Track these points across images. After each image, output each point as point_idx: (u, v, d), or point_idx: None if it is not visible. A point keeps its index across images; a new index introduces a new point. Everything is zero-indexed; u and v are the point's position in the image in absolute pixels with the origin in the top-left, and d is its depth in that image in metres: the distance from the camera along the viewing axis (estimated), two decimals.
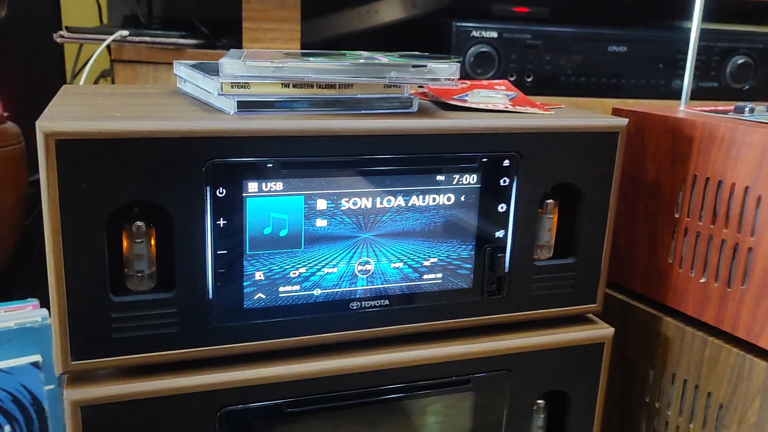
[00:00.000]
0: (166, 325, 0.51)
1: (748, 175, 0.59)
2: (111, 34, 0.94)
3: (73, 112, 0.50)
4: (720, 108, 0.72)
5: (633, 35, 1.10)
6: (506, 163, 0.58)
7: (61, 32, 0.97)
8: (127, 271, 0.51)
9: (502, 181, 0.58)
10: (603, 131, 0.60)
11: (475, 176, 0.57)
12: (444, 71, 0.55)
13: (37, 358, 0.70)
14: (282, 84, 0.54)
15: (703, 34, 1.12)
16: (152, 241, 0.51)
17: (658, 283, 0.68)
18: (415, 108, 0.58)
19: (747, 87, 1.15)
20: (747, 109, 0.67)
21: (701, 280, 0.64)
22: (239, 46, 1.01)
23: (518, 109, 0.62)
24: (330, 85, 0.55)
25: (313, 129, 0.52)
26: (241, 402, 0.54)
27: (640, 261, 0.70)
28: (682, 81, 1.13)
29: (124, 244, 0.51)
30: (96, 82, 1.33)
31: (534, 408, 0.65)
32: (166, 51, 0.96)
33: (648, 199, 0.69)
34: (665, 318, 0.68)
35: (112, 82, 1.34)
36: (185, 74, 0.62)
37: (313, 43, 1.08)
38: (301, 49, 1.00)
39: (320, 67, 0.53)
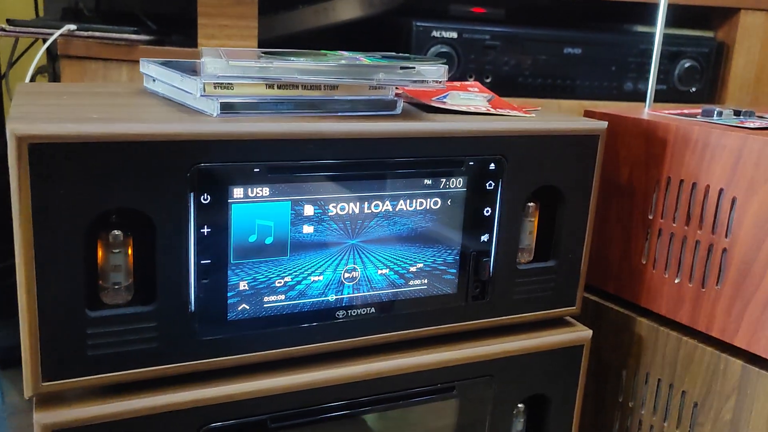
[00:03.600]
0: (146, 340, 0.48)
1: (723, 177, 0.61)
2: (54, 27, 0.89)
3: (44, 113, 0.46)
4: (686, 111, 0.73)
5: (587, 38, 1.12)
6: (492, 166, 0.57)
7: (3, 26, 0.91)
8: (103, 284, 0.48)
9: (487, 184, 0.57)
10: (584, 134, 0.60)
11: (461, 180, 0.56)
12: (432, 73, 0.54)
13: None
14: (266, 85, 0.51)
15: (653, 37, 1.15)
16: (129, 251, 0.48)
17: (632, 284, 0.69)
18: (399, 110, 0.57)
19: (693, 90, 1.19)
20: (715, 112, 0.68)
21: (675, 281, 0.65)
22: (192, 42, 0.97)
23: (500, 111, 0.62)
24: (315, 87, 0.53)
25: (301, 132, 0.50)
26: (224, 418, 0.51)
27: (613, 262, 0.71)
28: (634, 83, 1.16)
29: (100, 254, 0.48)
30: (33, 79, 1.26)
31: (514, 412, 0.64)
32: (116, 47, 0.92)
33: (621, 201, 0.70)
34: (639, 318, 0.69)
35: (52, 79, 1.28)
36: (156, 73, 0.58)
37: (270, 41, 1.06)
38: (258, 47, 0.98)
39: (307, 67, 0.51)
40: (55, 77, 1.27)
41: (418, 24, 1.03)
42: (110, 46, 0.91)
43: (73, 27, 0.89)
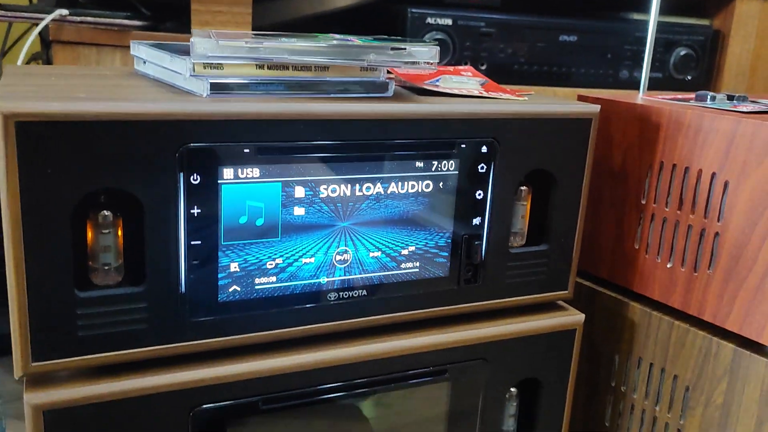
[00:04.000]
0: (136, 321, 0.48)
1: (715, 162, 0.61)
2: (46, 12, 0.89)
3: (31, 92, 0.46)
4: (680, 96, 0.73)
5: (583, 25, 1.11)
6: (484, 149, 0.57)
7: None
8: (92, 264, 0.48)
9: (479, 167, 0.57)
10: (577, 117, 0.60)
11: (453, 162, 0.56)
12: (423, 54, 0.54)
13: None
14: (257, 65, 0.51)
15: (648, 25, 1.15)
16: (119, 232, 0.48)
17: (624, 269, 0.69)
18: (390, 92, 0.56)
19: (689, 78, 1.18)
20: (708, 97, 0.68)
21: (668, 265, 0.65)
22: (185, 28, 0.97)
23: (492, 94, 0.61)
24: (306, 68, 0.53)
25: (292, 113, 0.49)
26: (215, 400, 0.51)
27: (606, 247, 0.71)
28: (629, 71, 1.16)
29: (89, 234, 0.47)
30: (28, 65, 1.25)
31: (507, 396, 0.65)
32: (109, 32, 0.91)
33: (614, 186, 0.70)
34: (631, 303, 0.69)
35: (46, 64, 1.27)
36: (146, 54, 0.58)
37: (264, 28, 1.05)
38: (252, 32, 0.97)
39: (298, 48, 0.51)
40: (49, 64, 1.27)
41: (413, 11, 1.03)
42: (103, 31, 0.91)
43: (65, 12, 0.89)
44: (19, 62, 0.92)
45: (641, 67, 1.16)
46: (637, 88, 1.16)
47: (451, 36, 1.05)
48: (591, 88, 1.12)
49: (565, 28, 1.10)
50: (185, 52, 0.55)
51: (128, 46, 0.92)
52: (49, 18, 0.87)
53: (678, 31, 1.16)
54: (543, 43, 1.10)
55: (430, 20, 1.04)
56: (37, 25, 0.92)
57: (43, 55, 1.26)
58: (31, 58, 1.27)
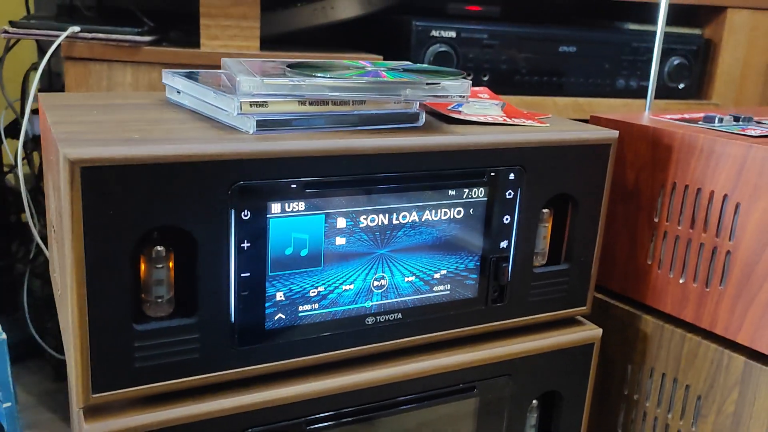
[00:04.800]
0: (189, 351, 0.50)
1: (727, 184, 0.64)
2: (55, 28, 0.89)
3: (87, 133, 0.48)
4: (687, 117, 0.76)
5: (582, 36, 1.14)
6: (512, 176, 0.59)
7: (5, 28, 0.91)
8: (145, 297, 0.50)
9: (507, 193, 0.60)
10: (597, 143, 0.63)
11: (483, 190, 0.59)
12: (456, 89, 0.56)
13: None
14: (299, 102, 0.53)
15: (645, 36, 1.18)
16: (170, 265, 0.50)
17: (637, 283, 0.72)
18: (421, 122, 0.59)
19: (682, 86, 1.22)
20: (716, 119, 0.71)
21: (680, 281, 0.68)
22: (192, 39, 0.98)
23: (516, 121, 0.64)
24: (344, 102, 0.55)
25: (336, 149, 0.51)
26: (263, 423, 0.54)
27: (619, 262, 0.74)
28: (626, 80, 1.19)
29: (143, 269, 0.49)
30: (27, 75, 1.25)
31: (529, 408, 0.67)
32: (120, 48, 0.92)
33: (627, 204, 0.73)
34: (644, 316, 0.72)
35: (48, 78, 1.27)
36: (183, 86, 0.59)
37: (269, 38, 1.06)
38: (260, 44, 0.98)
39: (338, 85, 0.53)
40: (50, 75, 1.27)
41: (418, 24, 1.05)
42: (114, 47, 0.91)
43: (77, 29, 0.89)
44: (35, 81, 0.92)
45: (638, 76, 1.19)
46: (634, 96, 1.19)
47: (455, 48, 1.08)
48: (590, 97, 1.16)
49: (564, 39, 1.13)
50: (218, 84, 0.57)
51: (138, 62, 0.94)
52: (63, 36, 0.88)
53: (671, 40, 1.19)
54: (543, 53, 1.13)
55: (434, 33, 1.06)
56: (40, 41, 0.92)
57: (46, 67, 1.26)
58: (30, 68, 1.27)
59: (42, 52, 1.26)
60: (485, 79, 1.10)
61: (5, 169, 1.33)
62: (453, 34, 1.07)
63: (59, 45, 0.90)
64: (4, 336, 0.84)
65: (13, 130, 1.22)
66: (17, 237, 1.32)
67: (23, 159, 1.33)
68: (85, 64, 0.93)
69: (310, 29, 1.10)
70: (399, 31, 1.08)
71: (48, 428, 1.07)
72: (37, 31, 0.92)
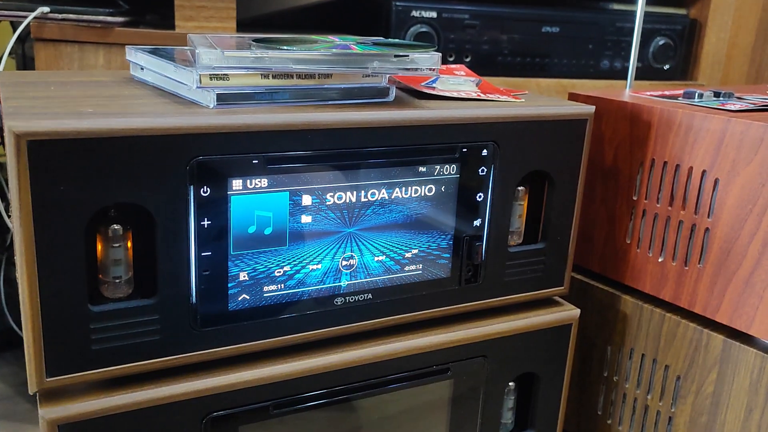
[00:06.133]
0: (148, 333, 0.49)
1: (706, 159, 0.63)
2: (25, 9, 0.87)
3: (38, 107, 0.46)
4: (667, 93, 0.75)
5: (565, 16, 1.12)
6: (484, 152, 0.58)
7: None
8: (103, 278, 0.48)
9: (480, 170, 0.58)
10: (572, 119, 0.61)
11: (454, 166, 0.57)
12: (425, 62, 0.54)
13: None
14: (261, 75, 0.51)
15: (629, 16, 1.16)
16: (129, 245, 0.48)
17: (616, 263, 0.71)
18: (392, 97, 0.57)
19: (667, 67, 1.21)
20: (696, 94, 0.70)
21: (659, 260, 0.67)
22: (168, 23, 0.96)
23: (490, 97, 0.62)
24: (309, 76, 0.53)
25: (299, 122, 0.50)
26: (226, 407, 0.52)
27: (598, 242, 0.73)
28: (610, 61, 1.18)
29: (99, 248, 0.47)
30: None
31: (506, 390, 0.66)
32: (91, 29, 0.90)
33: (606, 182, 0.71)
34: (623, 296, 0.71)
35: (21, 61, 1.24)
36: (145, 62, 0.58)
37: (247, 20, 1.04)
38: (236, 27, 0.96)
39: (302, 57, 0.51)
40: (24, 59, 1.24)
41: (398, 4, 1.03)
42: (85, 28, 0.89)
43: (46, 9, 0.87)
44: (2, 62, 0.90)
45: (622, 56, 1.18)
46: (618, 77, 1.18)
47: (436, 29, 1.06)
48: (573, 79, 1.14)
49: (547, 19, 1.12)
50: (185, 59, 0.55)
51: (111, 44, 0.92)
52: (31, 16, 0.85)
53: (656, 20, 1.18)
54: (526, 34, 1.11)
55: (414, 13, 1.04)
56: (14, 22, 0.90)
57: (18, 50, 1.23)
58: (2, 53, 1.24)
59: (19, 38, 1.23)
60: (467, 60, 1.09)
61: None
62: (434, 14, 1.05)
63: (29, 26, 0.87)
64: None
65: None
66: None
67: None
68: (56, 45, 0.91)
69: (288, 11, 1.08)
70: (378, 12, 1.06)
71: (25, 419, 1.05)
72: (6, 12, 0.89)
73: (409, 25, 1.04)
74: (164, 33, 0.93)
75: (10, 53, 1.25)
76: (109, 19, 0.90)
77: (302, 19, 1.17)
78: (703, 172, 0.63)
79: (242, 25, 0.99)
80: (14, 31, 1.26)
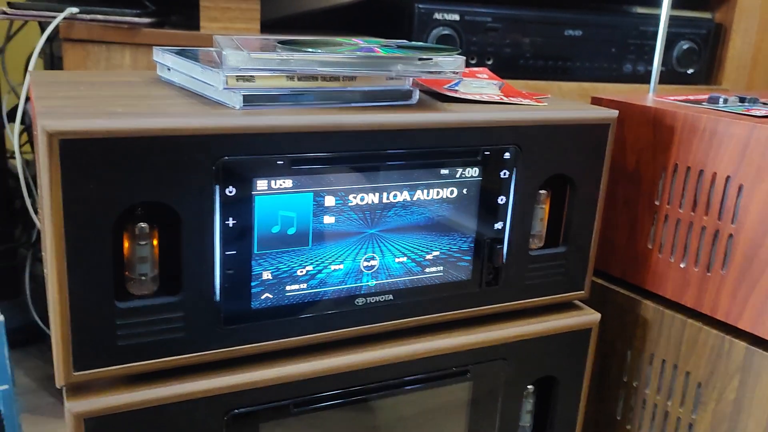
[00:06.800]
0: (173, 330, 0.49)
1: (730, 165, 0.62)
2: (54, 10, 0.88)
3: (70, 107, 0.47)
4: (691, 97, 0.74)
5: (588, 20, 1.12)
6: (506, 155, 0.58)
7: (4, 9, 0.90)
8: (129, 275, 0.49)
9: (502, 173, 0.58)
10: (595, 123, 0.61)
11: (477, 169, 0.57)
12: (449, 65, 0.55)
13: None
14: (287, 77, 0.52)
15: (653, 19, 1.16)
16: (155, 243, 0.49)
17: (637, 268, 0.71)
18: (415, 100, 0.57)
19: (691, 71, 1.20)
20: (721, 99, 0.69)
21: (681, 265, 0.67)
22: (194, 23, 0.97)
23: (513, 100, 0.62)
24: (334, 78, 0.54)
25: (323, 124, 0.50)
26: (248, 404, 0.53)
27: (619, 246, 0.73)
28: (633, 65, 1.17)
29: (126, 246, 0.48)
30: (29, 60, 1.24)
31: (524, 393, 0.66)
32: (118, 30, 0.91)
33: (628, 187, 0.71)
34: (644, 301, 0.70)
35: (49, 60, 1.26)
36: (172, 63, 0.58)
37: (271, 22, 1.05)
38: (260, 28, 0.97)
39: (327, 59, 0.52)
40: (52, 58, 1.26)
41: (420, 6, 1.03)
42: (112, 29, 0.90)
43: (75, 10, 0.88)
44: (33, 63, 0.92)
45: (645, 60, 1.17)
46: (641, 81, 1.17)
47: (458, 31, 1.06)
48: (595, 82, 1.14)
49: (570, 22, 1.11)
50: (211, 60, 0.56)
51: (137, 44, 0.93)
52: (60, 17, 0.87)
53: (681, 24, 1.17)
54: (548, 37, 1.11)
55: (437, 16, 1.05)
56: (42, 23, 0.91)
57: (47, 49, 1.25)
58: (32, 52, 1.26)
59: (48, 38, 1.25)
60: (489, 62, 1.09)
61: (8, 154, 1.33)
62: (456, 16, 1.06)
63: (57, 26, 0.89)
64: (1, 318, 0.84)
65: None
66: (20, 222, 1.32)
67: (26, 143, 1.33)
68: (84, 45, 0.93)
69: (312, 12, 1.09)
70: (401, 14, 1.07)
71: (48, 413, 1.07)
72: (36, 12, 0.91)
73: (432, 28, 1.05)
74: (189, 33, 0.94)
75: (38, 53, 1.27)
76: (136, 20, 0.91)
77: (325, 21, 1.18)
78: (727, 177, 0.62)
79: (266, 27, 1.00)
80: (42, 31, 1.28)
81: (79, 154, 0.43)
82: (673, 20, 1.17)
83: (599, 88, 1.14)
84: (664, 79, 1.18)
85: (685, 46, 1.18)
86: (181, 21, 1.03)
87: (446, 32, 1.05)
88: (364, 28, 1.15)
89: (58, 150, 0.42)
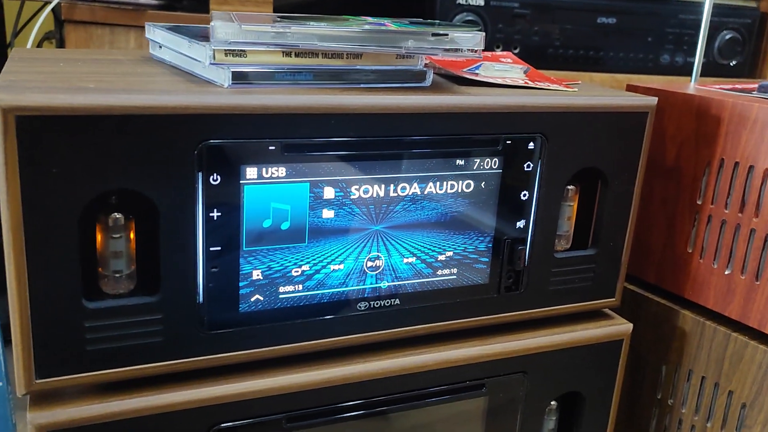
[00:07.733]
0: (150, 334, 0.44)
1: None
2: None
3: (35, 81, 0.41)
4: (739, 86, 0.67)
5: (622, 6, 1.05)
6: (531, 145, 0.52)
7: None
8: (102, 271, 0.44)
9: (525, 165, 0.52)
10: (632, 111, 0.55)
11: (497, 160, 0.51)
12: (467, 41, 0.49)
13: None
14: (283, 53, 0.46)
15: (693, 7, 1.08)
16: (131, 236, 0.44)
17: (675, 274, 0.64)
18: (428, 82, 0.51)
19: (734, 63, 1.12)
20: None
21: (725, 272, 0.60)
22: (203, 8, 0.92)
23: (539, 85, 0.56)
24: (337, 55, 0.48)
25: (322, 106, 0.44)
26: (235, 418, 0.47)
27: (655, 249, 0.66)
28: (671, 55, 1.10)
29: (99, 239, 0.43)
30: (40, 45, 1.21)
31: (546, 410, 0.60)
32: (123, 11, 0.87)
33: (666, 183, 0.64)
34: (682, 311, 0.64)
35: (59, 45, 1.22)
36: (162, 38, 0.53)
37: (285, 8, 1.00)
38: (274, 12, 0.92)
39: (329, 33, 0.46)
40: (62, 44, 1.22)
41: None
42: (117, 10, 0.86)
43: None
44: (30, 43, 0.87)
45: (684, 51, 1.09)
46: (680, 73, 1.09)
47: (483, 17, 1.00)
48: (630, 74, 1.06)
49: (603, 9, 1.04)
50: (205, 36, 0.50)
51: (143, 27, 0.88)
52: None
53: (724, 13, 1.09)
54: (580, 25, 1.04)
55: (460, 0, 0.98)
56: (50, 4, 0.87)
57: (57, 34, 1.22)
58: (44, 38, 1.23)
59: (58, 21, 1.21)
60: (516, 51, 1.02)
61: None
62: (481, 2, 0.99)
63: (60, 5, 0.85)
64: None
65: None
66: None
67: None
68: (86, 27, 0.88)
69: None
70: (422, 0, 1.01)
71: None
72: None
73: (455, 14, 0.98)
74: (197, 16, 0.89)
75: (49, 38, 1.23)
76: (141, 1, 0.87)
77: (343, 7, 1.12)
78: None
79: (280, 11, 0.94)
80: (56, 18, 1.24)
81: (40, 133, 0.38)
82: (715, 8, 1.09)
83: (634, 79, 1.06)
84: (704, 71, 1.10)
85: (728, 36, 1.10)
86: (191, 5, 0.98)
87: (470, 18, 0.99)
88: (385, 14, 1.09)
89: (14, 127, 0.37)
